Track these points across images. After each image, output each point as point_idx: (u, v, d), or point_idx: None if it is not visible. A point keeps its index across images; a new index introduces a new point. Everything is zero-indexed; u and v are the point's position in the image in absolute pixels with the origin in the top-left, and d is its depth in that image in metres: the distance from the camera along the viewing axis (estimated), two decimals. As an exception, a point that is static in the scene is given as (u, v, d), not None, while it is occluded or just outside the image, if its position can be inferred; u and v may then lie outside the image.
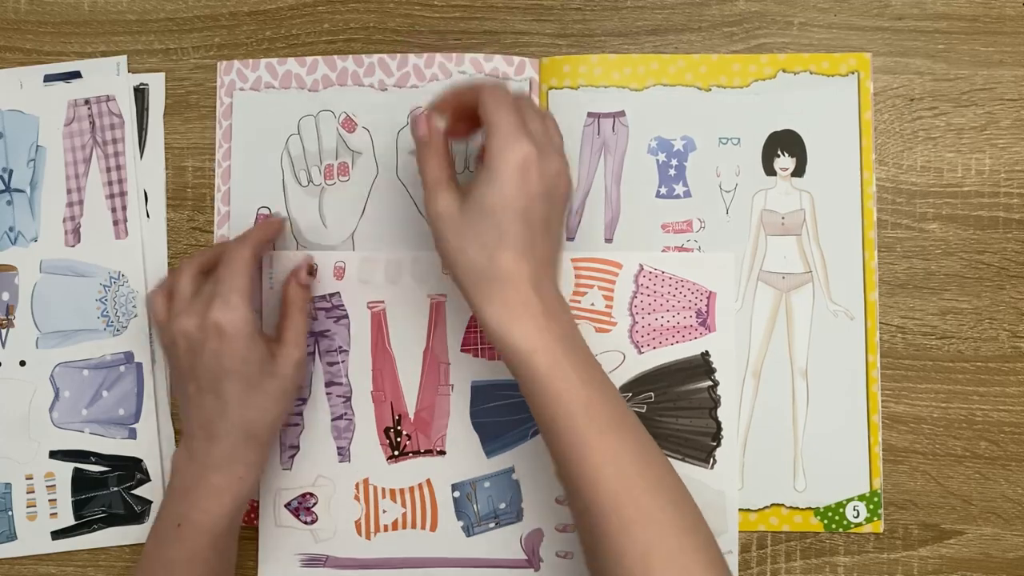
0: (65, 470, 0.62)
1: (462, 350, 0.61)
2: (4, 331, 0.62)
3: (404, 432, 0.61)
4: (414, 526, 0.61)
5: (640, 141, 0.61)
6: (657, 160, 0.61)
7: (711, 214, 0.61)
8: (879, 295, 0.60)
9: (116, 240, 0.62)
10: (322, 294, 0.61)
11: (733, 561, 0.59)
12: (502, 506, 0.60)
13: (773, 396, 0.60)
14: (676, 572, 0.46)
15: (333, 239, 0.62)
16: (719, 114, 0.61)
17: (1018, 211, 0.60)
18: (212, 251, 0.57)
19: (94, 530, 0.62)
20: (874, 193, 0.60)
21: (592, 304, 0.61)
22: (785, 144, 0.61)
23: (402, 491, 0.61)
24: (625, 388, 0.60)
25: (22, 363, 0.62)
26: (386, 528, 0.61)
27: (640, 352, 0.60)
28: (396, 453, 0.61)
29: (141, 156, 0.63)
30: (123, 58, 0.63)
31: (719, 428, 0.60)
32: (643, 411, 0.60)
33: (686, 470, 0.59)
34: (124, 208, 0.62)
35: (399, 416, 0.61)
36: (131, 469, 0.62)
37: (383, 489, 0.61)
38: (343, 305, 0.61)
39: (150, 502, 0.62)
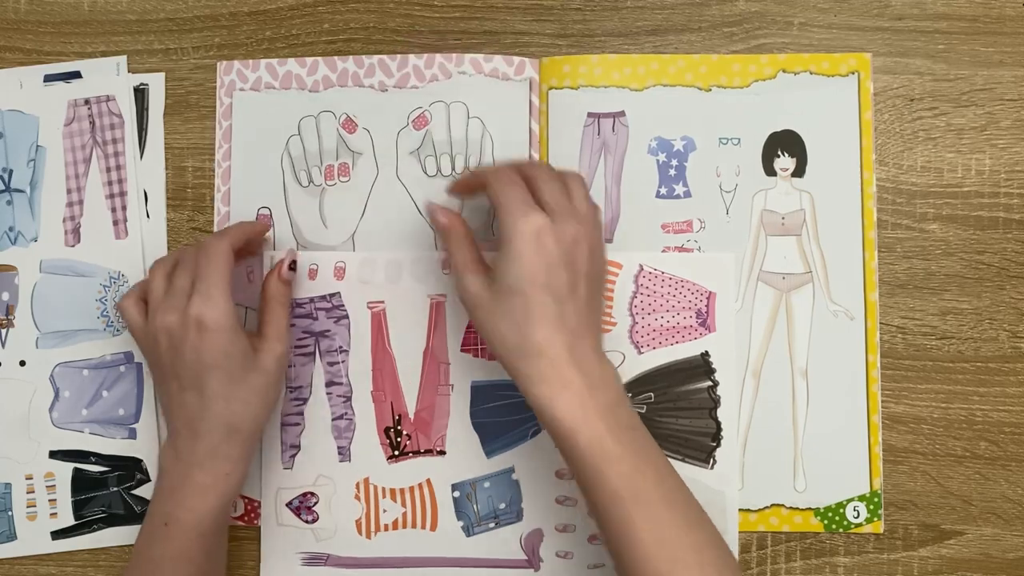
0: (65, 470, 0.62)
1: (462, 350, 0.61)
2: (4, 331, 0.62)
3: (404, 432, 0.61)
4: (414, 526, 0.61)
5: (640, 141, 0.61)
6: (657, 160, 0.61)
7: (711, 214, 0.61)
8: (879, 295, 0.60)
9: (116, 240, 0.62)
10: (322, 294, 0.61)
11: (733, 561, 0.59)
12: (502, 506, 0.60)
13: (773, 396, 0.60)
14: None
15: (333, 239, 0.62)
16: (719, 114, 0.61)
17: (1018, 211, 0.60)
18: (180, 252, 0.56)
19: (94, 530, 0.62)
20: (874, 193, 0.60)
21: (592, 304, 0.60)
22: (785, 144, 0.61)
23: (402, 491, 0.61)
24: (625, 388, 0.60)
25: (22, 363, 0.62)
26: (386, 527, 0.61)
27: (640, 352, 0.60)
28: (396, 453, 0.61)
29: (141, 156, 0.63)
30: (123, 58, 0.63)
31: (719, 428, 0.60)
32: (643, 411, 0.60)
33: (686, 470, 0.59)
34: (124, 208, 0.62)
35: (399, 416, 0.61)
36: (131, 469, 0.62)
37: (383, 489, 0.61)
38: (343, 305, 0.61)
39: (149, 502, 0.62)
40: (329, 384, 0.61)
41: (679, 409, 0.60)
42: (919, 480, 0.60)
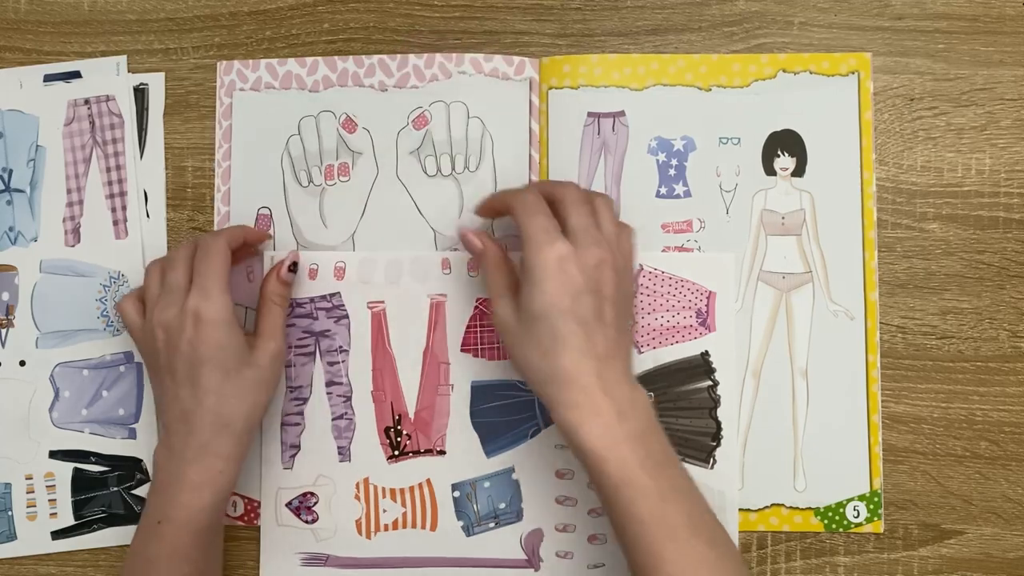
0: (65, 470, 0.62)
1: (462, 350, 0.61)
2: (4, 331, 0.62)
3: (404, 432, 0.61)
4: (414, 526, 0.61)
5: (640, 141, 0.61)
6: (657, 160, 0.61)
7: (711, 214, 0.61)
8: (879, 295, 0.60)
9: (116, 240, 0.62)
10: (322, 294, 0.61)
11: (733, 561, 0.59)
12: (502, 506, 0.60)
13: (773, 396, 0.60)
14: None
15: (333, 239, 0.62)
16: (719, 114, 0.61)
17: (1018, 211, 0.60)
18: (174, 252, 0.57)
19: (94, 530, 0.62)
20: (874, 193, 0.60)
21: (592, 304, 0.60)
22: (785, 144, 0.61)
23: (402, 491, 0.61)
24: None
25: (22, 363, 0.62)
26: (386, 527, 0.61)
27: (640, 352, 0.60)
28: (396, 453, 0.61)
29: (141, 156, 0.63)
30: (123, 58, 0.63)
31: (719, 428, 0.60)
32: (643, 411, 0.60)
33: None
34: (124, 208, 0.62)
35: (399, 416, 0.61)
36: (131, 469, 0.62)
37: (383, 489, 0.61)
38: (343, 305, 0.61)
39: (145, 501, 0.62)
40: (329, 384, 0.61)
41: (679, 409, 0.60)
42: (919, 480, 0.60)
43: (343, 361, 0.61)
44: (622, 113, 0.61)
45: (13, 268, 0.62)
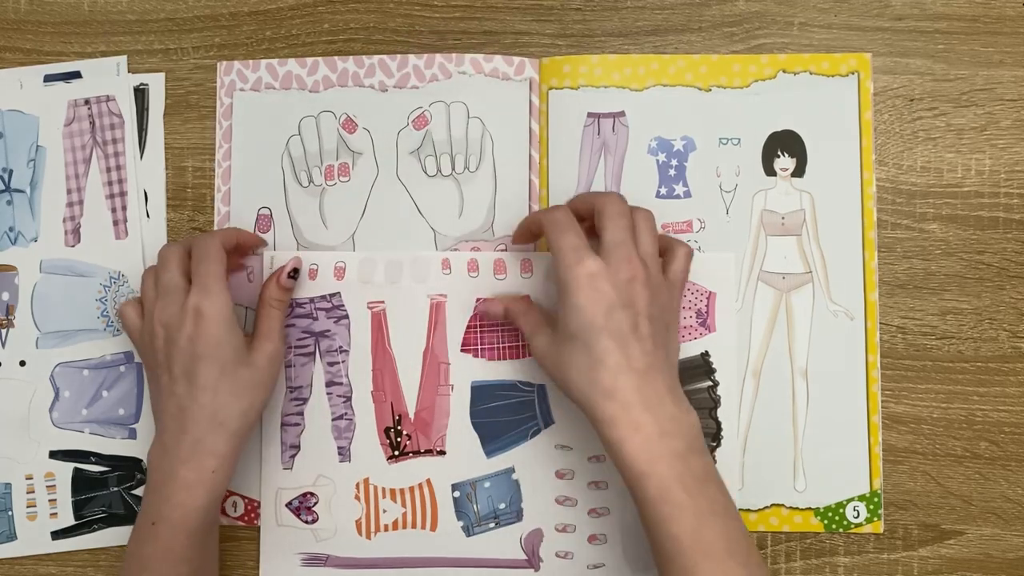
0: (65, 470, 0.62)
1: (462, 350, 0.61)
2: (4, 331, 0.62)
3: (404, 432, 0.61)
4: (414, 526, 0.61)
5: (640, 141, 0.61)
6: (657, 160, 0.61)
7: (711, 214, 0.61)
8: (879, 295, 0.60)
9: (116, 240, 0.62)
10: (322, 294, 0.61)
11: (733, 561, 0.59)
12: (502, 506, 0.60)
13: (773, 396, 0.60)
14: None
15: (333, 239, 0.62)
16: (719, 114, 0.61)
17: (1018, 211, 0.61)
18: (164, 253, 0.56)
19: (94, 530, 0.62)
20: (874, 193, 0.60)
21: (592, 304, 0.60)
22: (785, 144, 0.61)
23: (402, 491, 0.61)
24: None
25: (22, 363, 0.62)
26: (386, 528, 0.61)
27: (640, 352, 0.60)
28: (396, 453, 0.61)
29: (141, 156, 0.63)
30: (123, 58, 0.63)
31: (719, 428, 0.60)
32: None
33: (686, 470, 0.59)
34: (124, 208, 0.62)
35: (399, 416, 0.61)
36: (131, 469, 0.62)
37: (383, 489, 0.61)
38: (343, 305, 0.61)
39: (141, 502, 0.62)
40: (329, 384, 0.61)
41: (679, 409, 0.60)
42: (919, 480, 0.60)
43: (343, 361, 0.61)
44: (622, 113, 0.61)
45: (13, 268, 0.62)
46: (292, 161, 0.62)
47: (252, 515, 0.61)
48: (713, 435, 0.60)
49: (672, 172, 0.61)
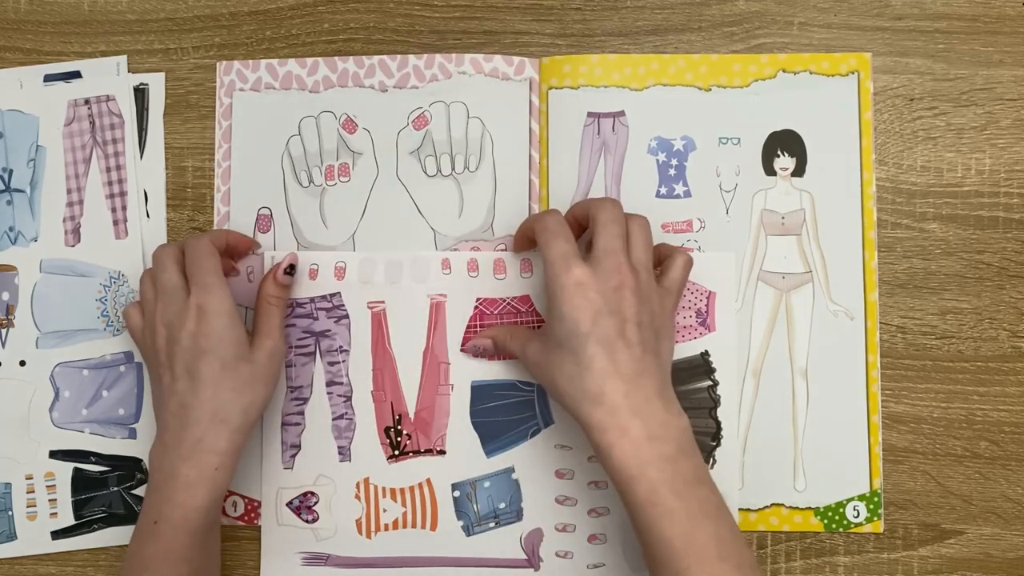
0: (65, 470, 0.62)
1: (462, 350, 0.61)
2: (4, 331, 0.62)
3: (404, 432, 0.61)
4: (414, 525, 0.61)
5: (640, 141, 0.61)
6: (657, 160, 0.61)
7: (711, 214, 0.61)
8: (879, 295, 0.60)
9: (116, 240, 0.62)
10: (322, 294, 0.61)
11: (733, 561, 0.59)
12: (502, 506, 0.60)
13: (773, 396, 0.60)
14: None
15: (333, 239, 0.62)
16: (719, 114, 0.61)
17: (1018, 211, 0.61)
18: (158, 255, 0.56)
19: (94, 530, 0.62)
20: (874, 193, 0.60)
21: (592, 304, 0.60)
22: (785, 144, 0.61)
23: (402, 490, 0.61)
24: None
25: (22, 363, 0.62)
26: (386, 527, 0.61)
27: (640, 352, 0.60)
28: (396, 453, 0.61)
29: (141, 156, 0.63)
30: (123, 58, 0.63)
31: (719, 428, 0.60)
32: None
33: (686, 470, 0.59)
34: (124, 208, 0.63)
35: (399, 416, 0.61)
36: (131, 469, 0.62)
37: (383, 488, 0.61)
38: (343, 305, 0.61)
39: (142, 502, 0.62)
40: (329, 384, 0.61)
41: (679, 409, 0.60)
42: (919, 480, 0.60)
43: (343, 361, 0.61)
44: (622, 113, 0.61)
45: (13, 268, 0.62)
46: (292, 161, 0.62)
47: (252, 515, 0.61)
48: (713, 435, 0.60)
49: (672, 172, 0.61)
